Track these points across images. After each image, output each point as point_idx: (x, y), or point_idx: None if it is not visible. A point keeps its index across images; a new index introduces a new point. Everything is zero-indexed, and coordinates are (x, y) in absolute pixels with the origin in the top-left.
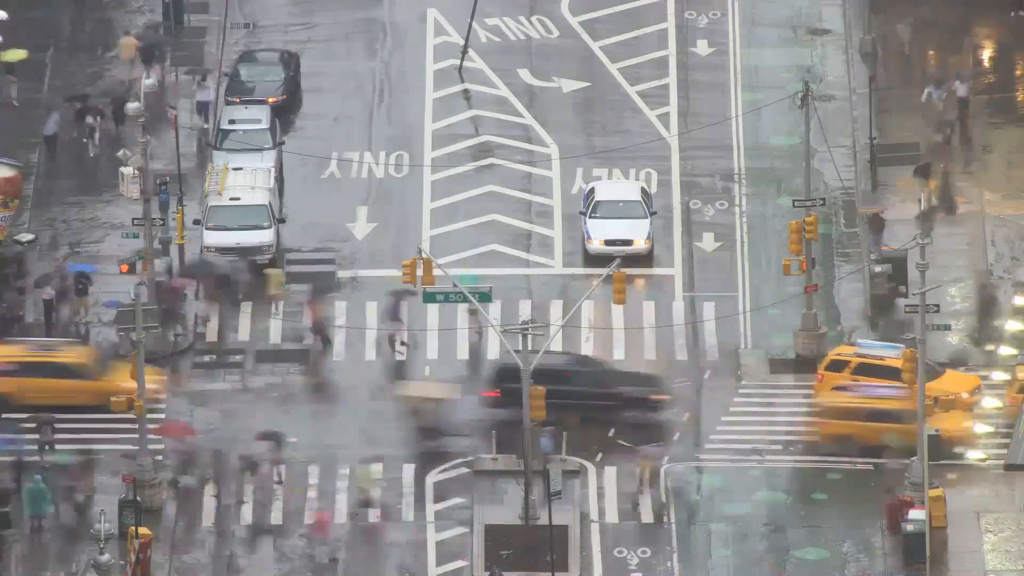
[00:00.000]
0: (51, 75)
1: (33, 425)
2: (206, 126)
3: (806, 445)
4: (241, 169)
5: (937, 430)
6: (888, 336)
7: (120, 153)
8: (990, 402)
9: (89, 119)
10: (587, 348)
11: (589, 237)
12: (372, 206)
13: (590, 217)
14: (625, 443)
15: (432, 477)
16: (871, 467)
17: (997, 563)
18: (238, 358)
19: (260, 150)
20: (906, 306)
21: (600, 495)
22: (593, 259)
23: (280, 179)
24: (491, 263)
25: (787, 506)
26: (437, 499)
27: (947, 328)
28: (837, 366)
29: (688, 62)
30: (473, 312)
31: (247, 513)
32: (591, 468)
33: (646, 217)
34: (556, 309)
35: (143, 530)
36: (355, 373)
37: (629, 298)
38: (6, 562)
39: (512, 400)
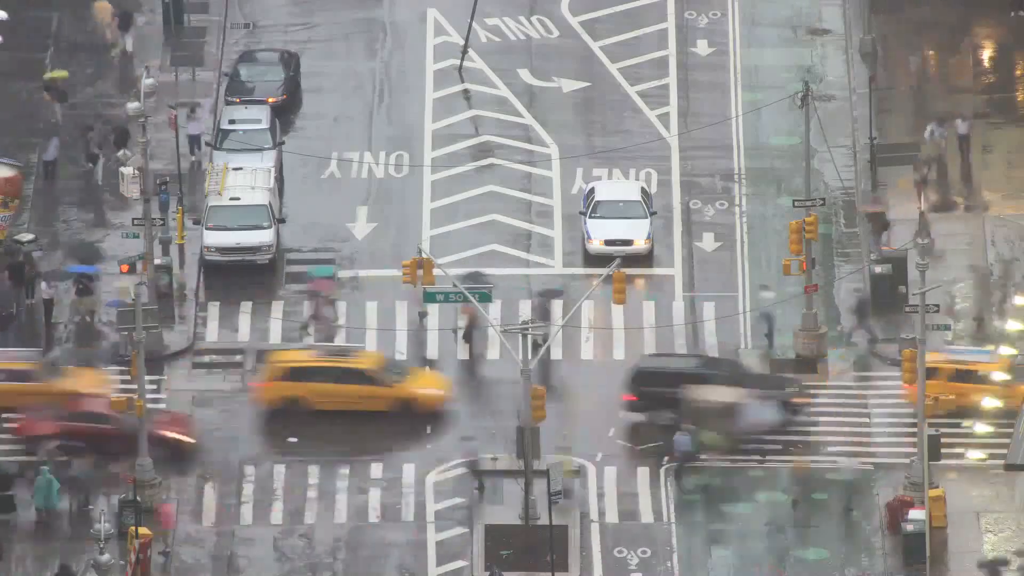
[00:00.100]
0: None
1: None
2: (194, 158)
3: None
4: (241, 169)
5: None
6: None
7: (120, 153)
8: (990, 402)
9: (94, 148)
10: (587, 348)
11: (589, 237)
12: (372, 206)
13: (590, 217)
14: (625, 443)
15: (432, 477)
16: (871, 467)
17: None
18: (238, 358)
19: (260, 150)
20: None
21: (600, 495)
22: (593, 259)
23: (280, 179)
24: (491, 263)
25: (787, 506)
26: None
27: (947, 328)
28: (930, 374)
29: (688, 62)
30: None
31: (247, 513)
32: (591, 468)
33: (646, 217)
34: (556, 309)
35: (143, 530)
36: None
37: (629, 298)
38: (7, 561)
39: (649, 404)
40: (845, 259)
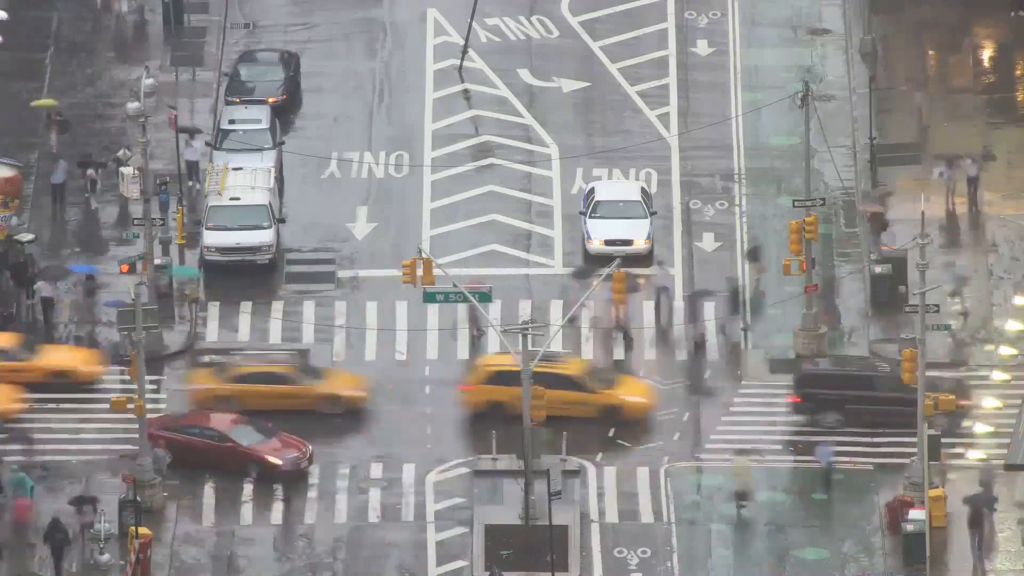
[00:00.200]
0: (51, 76)
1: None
2: (191, 183)
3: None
4: (241, 169)
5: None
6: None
7: (120, 153)
8: (990, 402)
9: (90, 172)
10: (587, 348)
11: (589, 237)
12: (372, 206)
13: (590, 217)
14: (625, 443)
15: (433, 477)
16: (871, 467)
17: (997, 563)
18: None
19: (260, 150)
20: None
21: (600, 495)
22: (593, 259)
23: (280, 179)
24: (491, 263)
25: (787, 506)
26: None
27: (947, 328)
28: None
29: (688, 62)
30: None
31: (247, 513)
32: (591, 468)
33: (646, 217)
34: (556, 309)
35: (143, 530)
36: (359, 373)
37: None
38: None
39: (814, 406)
40: (845, 259)
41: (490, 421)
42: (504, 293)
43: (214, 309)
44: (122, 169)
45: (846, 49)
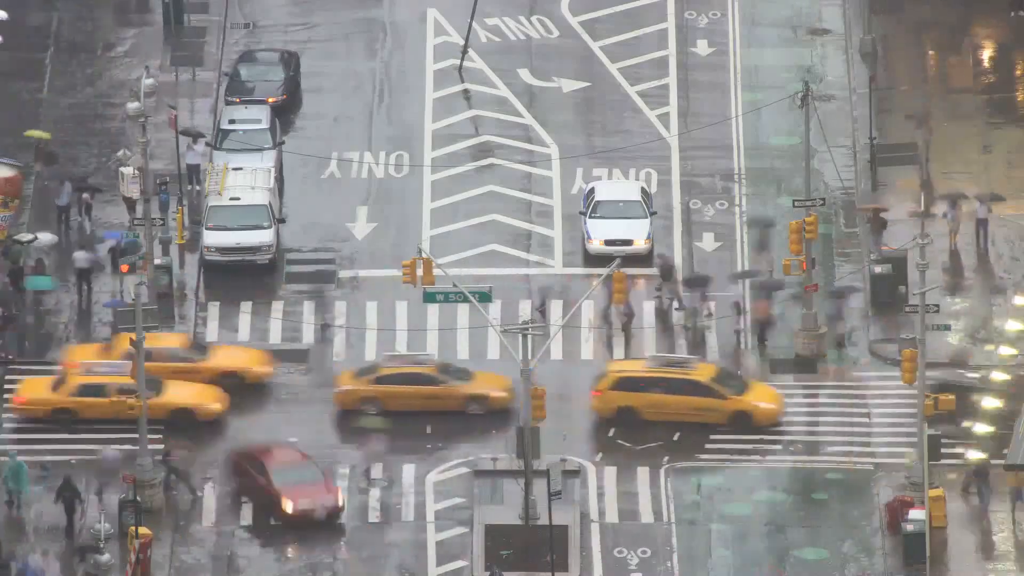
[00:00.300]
0: (51, 76)
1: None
2: (191, 186)
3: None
4: (241, 169)
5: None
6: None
7: (120, 153)
8: (990, 402)
9: (85, 196)
10: (587, 348)
11: (589, 237)
12: (372, 206)
13: (590, 217)
14: (625, 443)
15: (432, 477)
16: (871, 467)
17: (998, 563)
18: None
19: (260, 150)
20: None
21: (600, 495)
22: (593, 259)
23: (280, 179)
24: (491, 263)
25: (787, 506)
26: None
27: (947, 328)
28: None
29: (688, 62)
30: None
31: (247, 513)
32: (591, 468)
33: (646, 217)
34: (556, 309)
35: (143, 530)
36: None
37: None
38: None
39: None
40: (845, 259)
41: (621, 426)
42: (504, 293)
43: (214, 309)
44: (122, 169)
45: (846, 49)
